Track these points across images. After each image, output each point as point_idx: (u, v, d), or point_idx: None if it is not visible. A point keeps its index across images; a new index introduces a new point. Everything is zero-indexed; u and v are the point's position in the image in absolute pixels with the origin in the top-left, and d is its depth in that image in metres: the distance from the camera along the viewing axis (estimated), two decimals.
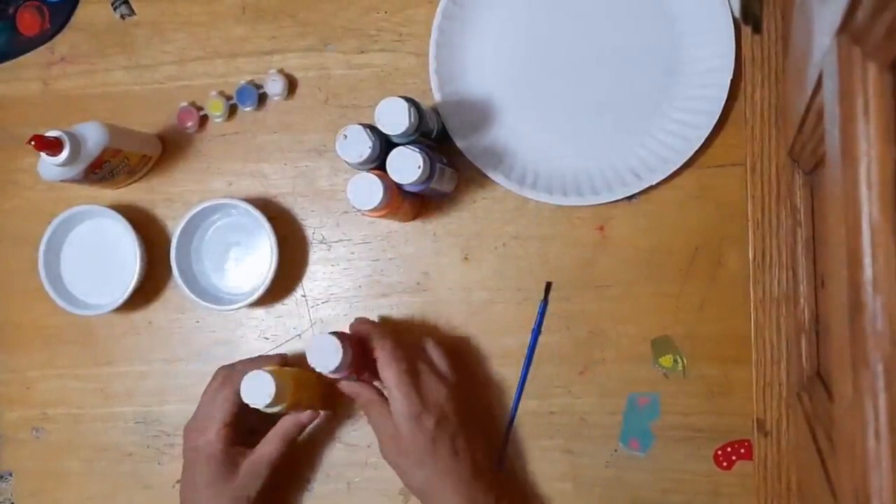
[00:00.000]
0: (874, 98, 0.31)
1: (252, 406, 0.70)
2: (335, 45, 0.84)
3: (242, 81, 0.84)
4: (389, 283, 0.81)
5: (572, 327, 0.77)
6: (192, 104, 0.85)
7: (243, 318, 0.84)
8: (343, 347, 0.69)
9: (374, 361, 0.77)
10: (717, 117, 0.73)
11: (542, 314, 0.78)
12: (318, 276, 0.83)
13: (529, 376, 0.78)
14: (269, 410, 0.71)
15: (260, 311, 0.84)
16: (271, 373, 0.70)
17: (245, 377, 0.70)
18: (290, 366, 0.77)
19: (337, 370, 0.70)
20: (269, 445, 0.74)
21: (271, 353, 0.83)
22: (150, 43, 0.88)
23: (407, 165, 0.70)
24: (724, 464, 0.74)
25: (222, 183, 0.86)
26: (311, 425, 0.77)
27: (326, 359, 0.69)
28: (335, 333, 0.71)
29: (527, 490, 0.77)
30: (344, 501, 0.81)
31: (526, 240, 0.79)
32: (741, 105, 0.73)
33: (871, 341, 0.31)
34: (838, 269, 0.35)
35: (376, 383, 0.74)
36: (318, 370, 0.70)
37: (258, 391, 0.70)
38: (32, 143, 0.72)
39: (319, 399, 0.78)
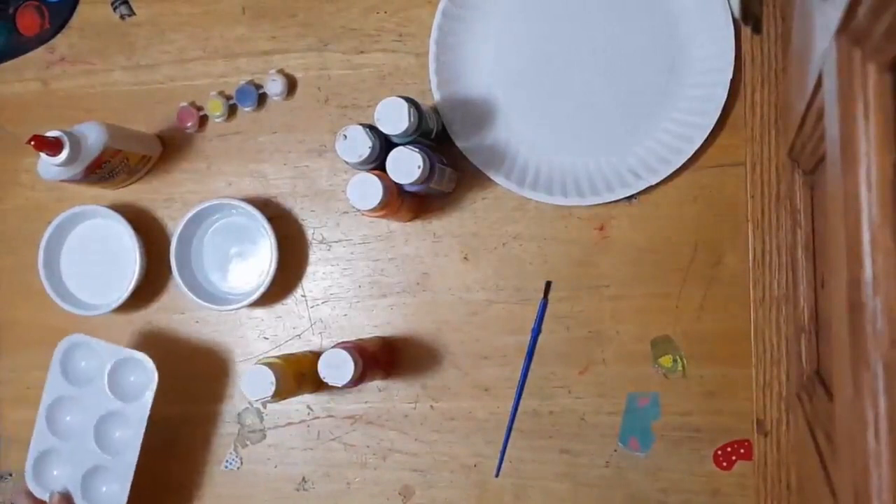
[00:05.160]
0: (874, 98, 0.31)
1: (255, 400, 0.71)
2: (335, 45, 0.84)
3: (242, 81, 0.84)
4: (389, 283, 0.81)
5: (572, 327, 0.77)
6: (192, 104, 0.85)
7: (243, 318, 0.84)
8: (354, 360, 0.70)
9: (384, 364, 0.77)
10: (717, 117, 0.73)
11: (541, 314, 0.78)
12: (318, 276, 0.83)
13: (529, 376, 0.78)
14: (270, 402, 0.73)
15: (260, 311, 0.84)
16: (270, 366, 0.71)
17: (245, 373, 0.71)
18: None
19: (350, 382, 0.71)
20: None
21: (271, 351, 0.83)
22: (150, 43, 0.88)
23: (407, 165, 0.70)
24: (724, 464, 0.74)
25: (222, 183, 0.86)
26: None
27: (340, 374, 0.70)
28: (343, 347, 0.72)
29: (526, 489, 0.77)
30: (344, 501, 0.81)
31: (526, 240, 0.79)
32: (741, 105, 0.73)
33: (871, 341, 0.31)
34: (838, 269, 0.35)
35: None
36: (331, 384, 0.71)
37: (260, 385, 0.70)
38: (32, 143, 0.72)
39: (313, 385, 0.78)
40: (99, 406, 0.78)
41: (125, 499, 0.76)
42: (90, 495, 0.78)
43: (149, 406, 0.77)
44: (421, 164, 0.69)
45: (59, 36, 0.90)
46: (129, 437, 0.78)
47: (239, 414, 0.84)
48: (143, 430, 0.77)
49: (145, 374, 0.78)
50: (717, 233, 0.75)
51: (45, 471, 0.80)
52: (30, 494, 0.79)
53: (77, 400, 0.80)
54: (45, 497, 0.79)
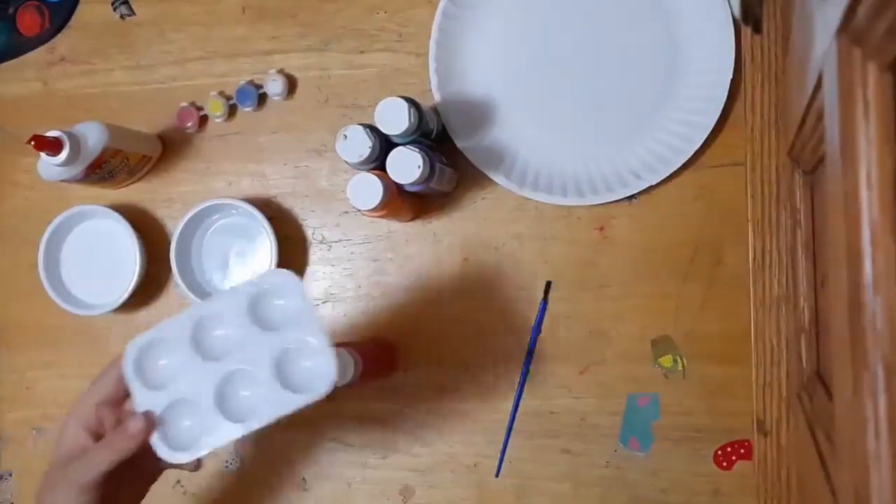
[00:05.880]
0: (874, 98, 0.31)
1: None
2: (335, 45, 0.84)
3: (242, 81, 0.84)
4: (389, 283, 0.81)
5: (572, 327, 0.77)
6: (192, 104, 0.85)
7: None
8: (354, 360, 0.69)
9: (384, 364, 0.77)
10: (717, 117, 0.73)
11: (541, 314, 0.78)
12: (318, 276, 0.83)
13: (529, 376, 0.78)
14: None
15: None
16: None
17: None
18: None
19: (350, 382, 0.69)
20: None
21: None
22: (150, 43, 0.88)
23: (407, 165, 0.70)
24: (724, 464, 0.74)
25: (222, 183, 0.86)
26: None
27: (341, 374, 0.69)
28: (343, 347, 0.71)
29: (527, 489, 0.77)
30: (343, 501, 0.81)
31: (526, 240, 0.79)
32: (741, 105, 0.73)
33: (871, 341, 0.31)
34: (838, 269, 0.35)
35: None
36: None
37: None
38: (32, 143, 0.72)
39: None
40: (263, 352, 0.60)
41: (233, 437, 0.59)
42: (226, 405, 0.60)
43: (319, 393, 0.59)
44: (421, 164, 0.69)
45: (59, 36, 0.90)
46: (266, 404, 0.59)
47: None
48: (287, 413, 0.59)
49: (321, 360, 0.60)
50: (717, 233, 0.75)
51: (151, 357, 0.61)
52: (115, 383, 0.61)
53: (236, 330, 0.61)
54: (136, 389, 0.60)
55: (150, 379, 0.61)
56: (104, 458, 0.56)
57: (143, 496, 0.63)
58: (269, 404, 0.59)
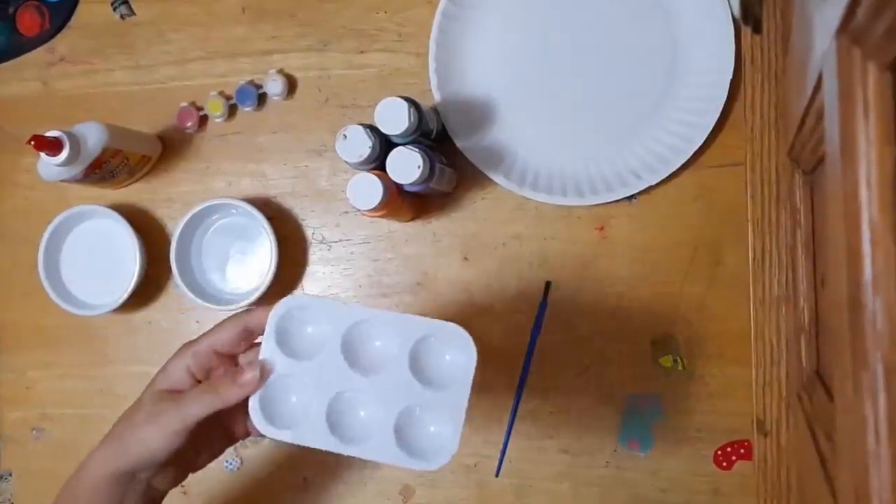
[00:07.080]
0: (874, 98, 0.31)
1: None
2: (335, 45, 0.84)
3: (242, 81, 0.84)
4: (389, 283, 0.81)
5: (572, 327, 0.77)
6: (192, 104, 0.85)
7: None
8: None
9: None
10: (717, 117, 0.73)
11: (541, 314, 0.78)
12: (318, 276, 0.83)
13: (529, 376, 0.78)
14: None
15: None
16: None
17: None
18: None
19: None
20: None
21: None
22: (150, 43, 0.88)
23: (407, 165, 0.70)
24: (724, 464, 0.74)
25: (222, 183, 0.86)
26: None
27: None
28: None
29: (526, 489, 0.77)
30: (344, 501, 0.81)
31: (526, 240, 0.79)
32: (741, 105, 0.73)
33: (871, 341, 0.31)
34: (838, 269, 0.35)
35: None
36: None
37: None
38: (32, 143, 0.72)
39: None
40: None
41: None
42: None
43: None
44: (421, 164, 0.69)
45: (59, 36, 0.90)
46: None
47: None
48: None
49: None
50: (717, 233, 0.75)
51: (295, 322, 0.58)
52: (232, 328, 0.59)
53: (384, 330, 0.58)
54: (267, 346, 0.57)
55: (284, 342, 0.57)
56: (207, 402, 0.56)
57: (218, 455, 0.62)
58: (373, 442, 0.56)
